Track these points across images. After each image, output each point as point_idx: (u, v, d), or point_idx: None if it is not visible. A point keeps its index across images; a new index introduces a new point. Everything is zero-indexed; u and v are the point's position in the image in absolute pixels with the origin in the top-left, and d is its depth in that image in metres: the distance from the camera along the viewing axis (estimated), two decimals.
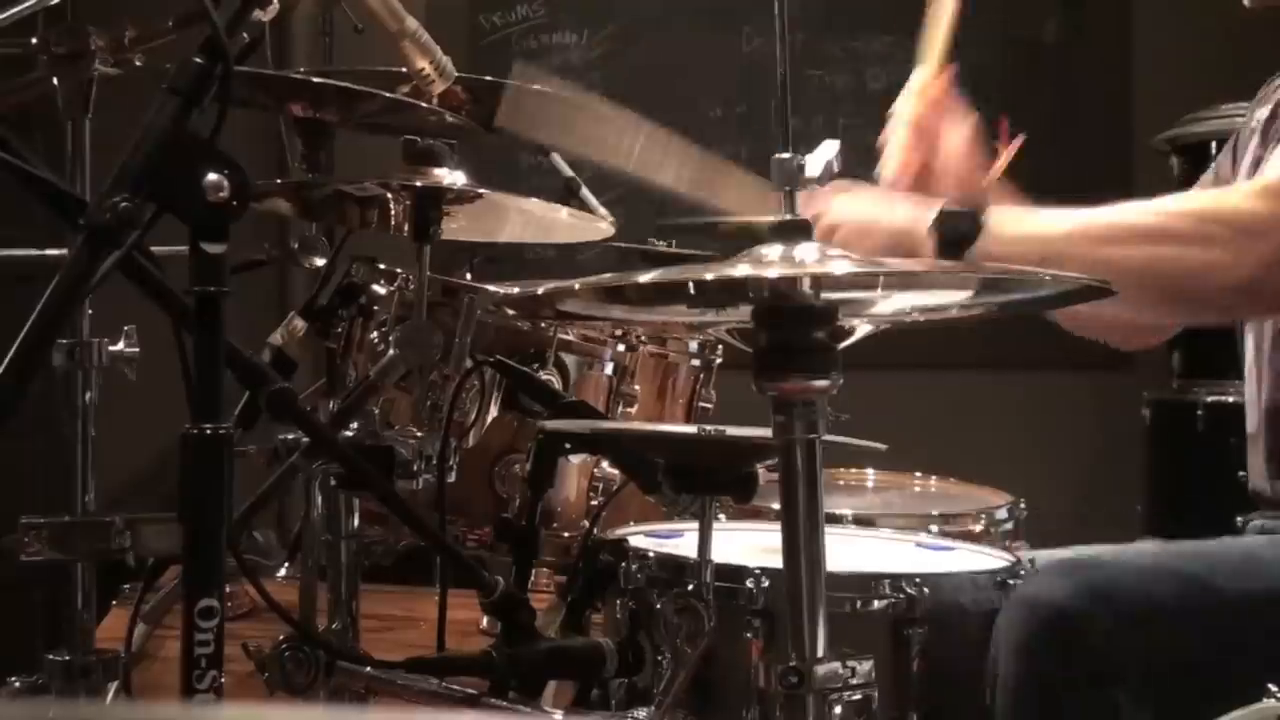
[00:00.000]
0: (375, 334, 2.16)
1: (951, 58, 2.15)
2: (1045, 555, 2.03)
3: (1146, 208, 1.90)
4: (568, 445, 2.10)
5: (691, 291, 1.45)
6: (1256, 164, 2.08)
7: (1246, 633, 1.72)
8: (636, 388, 2.31)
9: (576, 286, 1.44)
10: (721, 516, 1.99)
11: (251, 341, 1.84)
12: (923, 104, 2.12)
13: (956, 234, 1.89)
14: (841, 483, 2.91)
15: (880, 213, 1.98)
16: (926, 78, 2.14)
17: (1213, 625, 1.73)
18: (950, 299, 1.55)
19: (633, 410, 2.30)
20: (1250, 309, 1.97)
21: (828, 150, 1.48)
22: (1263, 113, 2.13)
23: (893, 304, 1.52)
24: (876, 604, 1.75)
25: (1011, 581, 1.82)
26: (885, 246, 1.90)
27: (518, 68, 1.93)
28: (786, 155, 1.46)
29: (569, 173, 2.93)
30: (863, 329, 1.48)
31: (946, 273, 1.58)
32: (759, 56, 4.43)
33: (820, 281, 1.43)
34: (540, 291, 1.49)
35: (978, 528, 2.55)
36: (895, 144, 2.12)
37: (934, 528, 2.46)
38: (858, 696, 1.46)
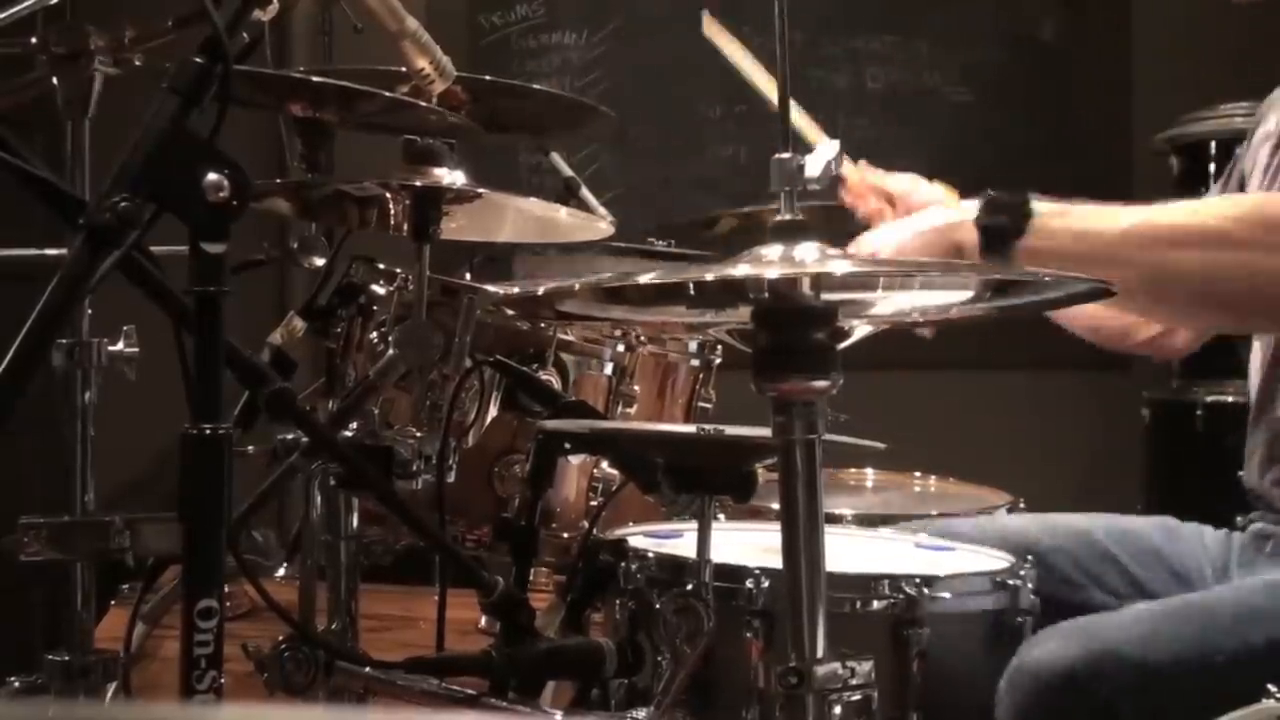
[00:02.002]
0: (375, 334, 2.16)
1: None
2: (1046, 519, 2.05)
3: (1199, 209, 1.86)
4: (567, 445, 2.10)
5: (691, 292, 1.45)
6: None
7: (1247, 686, 1.72)
8: (636, 388, 2.30)
9: (576, 287, 1.44)
10: (721, 516, 1.99)
11: (251, 341, 1.84)
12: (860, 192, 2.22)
13: (1001, 227, 1.85)
14: (841, 483, 2.91)
15: (917, 222, 1.97)
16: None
17: (1211, 685, 1.72)
18: (951, 299, 1.55)
19: (632, 410, 2.30)
20: None
21: (828, 150, 1.48)
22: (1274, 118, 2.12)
23: (893, 305, 1.52)
24: (876, 604, 1.75)
25: (1011, 581, 1.82)
26: (928, 245, 1.88)
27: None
28: (786, 155, 1.46)
29: (568, 172, 2.93)
30: (862, 330, 1.48)
31: (945, 273, 1.58)
32: (759, 56, 4.43)
33: (820, 282, 1.43)
34: (540, 291, 1.49)
35: (981, 519, 2.55)
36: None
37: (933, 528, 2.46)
38: (857, 697, 1.46)
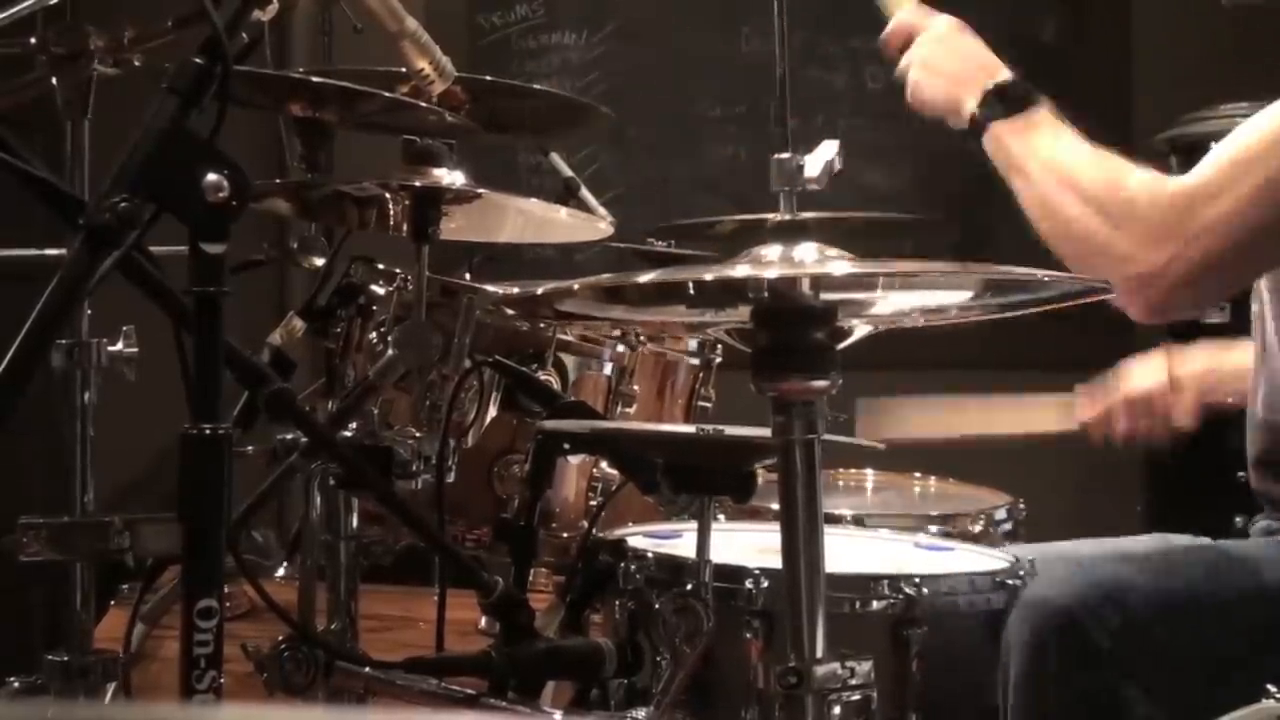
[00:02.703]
0: (374, 334, 2.16)
1: None
2: (1046, 549, 2.03)
3: (1102, 166, 1.94)
4: (566, 445, 2.10)
5: (691, 292, 1.45)
6: None
7: (1256, 626, 1.72)
8: (635, 387, 2.30)
9: (575, 287, 1.44)
10: (720, 517, 1.99)
11: (250, 341, 1.84)
12: None
13: (999, 103, 1.98)
14: (841, 483, 2.91)
15: (953, 65, 2.06)
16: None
17: (1222, 621, 1.73)
18: (950, 300, 1.55)
19: (632, 410, 2.30)
20: (1126, 304, 1.95)
21: (827, 150, 1.48)
22: None
23: (892, 304, 1.52)
24: (875, 604, 1.75)
25: (1010, 581, 1.82)
26: (939, 93, 2.01)
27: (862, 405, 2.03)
28: (786, 155, 1.46)
29: (568, 173, 2.93)
30: (862, 329, 1.48)
31: (945, 274, 1.58)
32: (758, 56, 4.43)
33: (819, 282, 1.43)
34: (540, 292, 1.49)
35: (977, 528, 2.55)
36: None
37: (933, 528, 2.46)
38: (857, 697, 1.46)
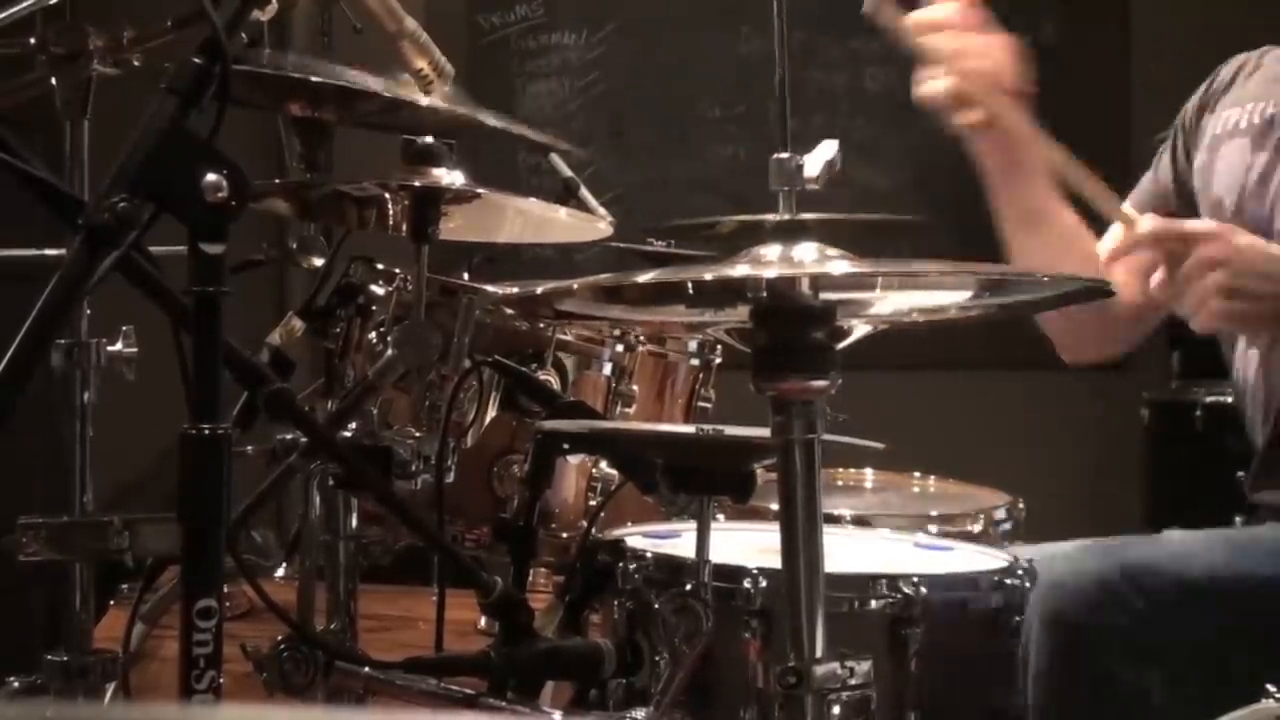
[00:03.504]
0: (373, 334, 2.15)
1: None
2: (1046, 549, 2.03)
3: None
4: (566, 445, 2.10)
5: (690, 292, 1.45)
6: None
7: (1278, 611, 1.72)
8: (635, 388, 2.30)
9: (575, 286, 1.44)
10: (720, 516, 1.99)
11: (250, 342, 1.84)
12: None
13: None
14: (840, 483, 2.91)
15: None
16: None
17: (1245, 605, 1.72)
18: (949, 300, 1.55)
19: (631, 410, 2.30)
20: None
21: (827, 150, 1.48)
22: (1235, 114, 2.10)
23: (891, 304, 1.52)
24: (875, 604, 1.75)
25: (1010, 581, 1.82)
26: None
27: None
28: (785, 155, 1.46)
29: (567, 173, 2.93)
30: (861, 329, 1.48)
31: (944, 274, 1.58)
32: (757, 56, 4.43)
33: (819, 282, 1.43)
34: (539, 291, 1.49)
35: (976, 528, 2.55)
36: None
37: (933, 528, 2.46)
38: (856, 696, 1.46)
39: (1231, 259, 1.76)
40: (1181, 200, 2.14)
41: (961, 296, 1.53)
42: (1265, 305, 1.78)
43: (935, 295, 1.55)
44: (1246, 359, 2.09)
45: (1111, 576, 1.69)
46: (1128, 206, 2.05)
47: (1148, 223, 1.81)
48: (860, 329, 1.48)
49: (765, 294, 1.43)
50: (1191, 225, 1.81)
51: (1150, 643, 1.69)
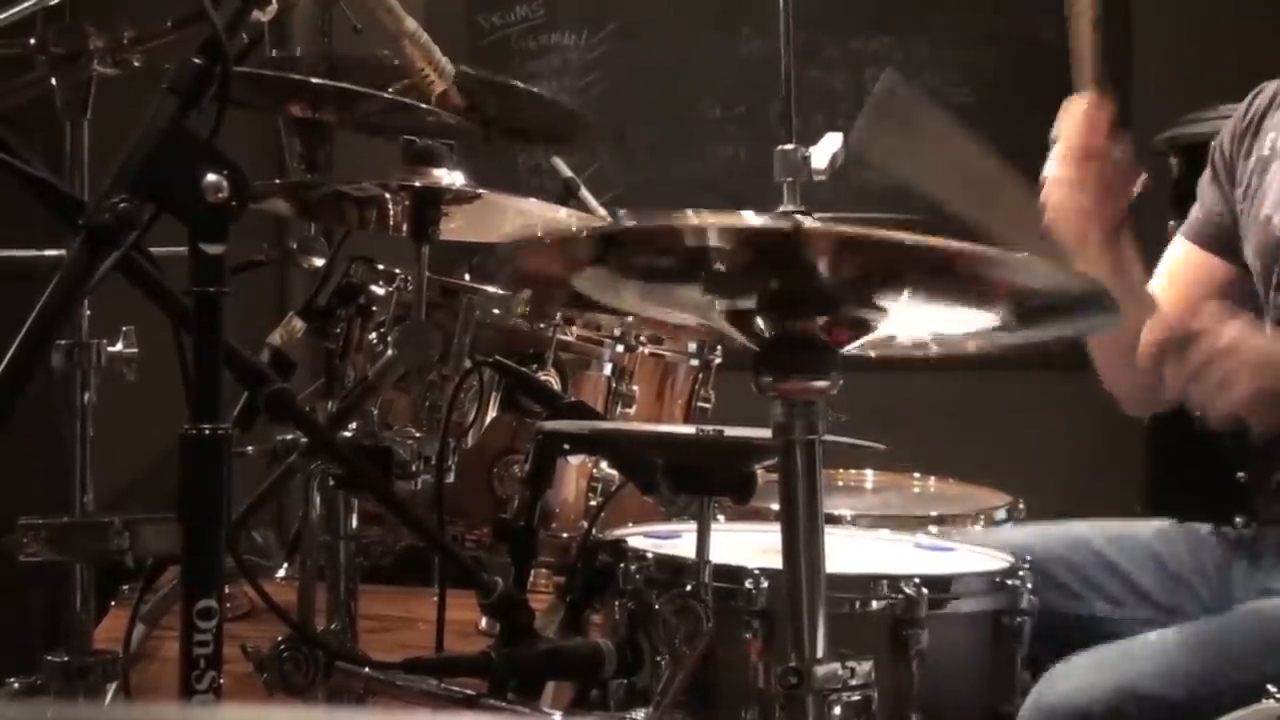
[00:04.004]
0: (374, 334, 2.16)
1: (1103, 85, 2.09)
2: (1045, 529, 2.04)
3: None
4: (566, 446, 2.10)
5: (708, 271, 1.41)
6: None
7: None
8: (635, 388, 2.30)
9: (584, 234, 1.41)
10: (720, 517, 1.99)
11: (250, 342, 1.84)
12: (1086, 132, 2.08)
13: None
14: (841, 483, 2.91)
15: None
16: (1086, 105, 2.09)
17: (1226, 711, 1.73)
18: (970, 326, 1.52)
19: (631, 411, 2.30)
20: None
21: (831, 144, 1.47)
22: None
23: (908, 322, 1.50)
24: (875, 604, 1.75)
25: (1010, 582, 1.82)
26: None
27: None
28: (790, 147, 1.45)
29: (567, 173, 2.93)
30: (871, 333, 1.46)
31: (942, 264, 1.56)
32: (757, 56, 4.43)
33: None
34: (546, 239, 1.46)
35: (976, 528, 2.55)
36: (1059, 178, 2.04)
37: (933, 528, 2.46)
38: (857, 697, 1.46)
39: (1220, 358, 1.81)
40: (1233, 222, 2.16)
41: (984, 323, 1.49)
42: (1262, 396, 1.82)
43: (954, 319, 1.52)
44: None
45: (1096, 707, 1.72)
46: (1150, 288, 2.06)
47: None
48: (871, 330, 1.46)
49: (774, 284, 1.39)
50: (1188, 327, 1.86)
51: None
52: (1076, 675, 1.76)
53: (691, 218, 1.43)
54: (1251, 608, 1.95)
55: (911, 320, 1.50)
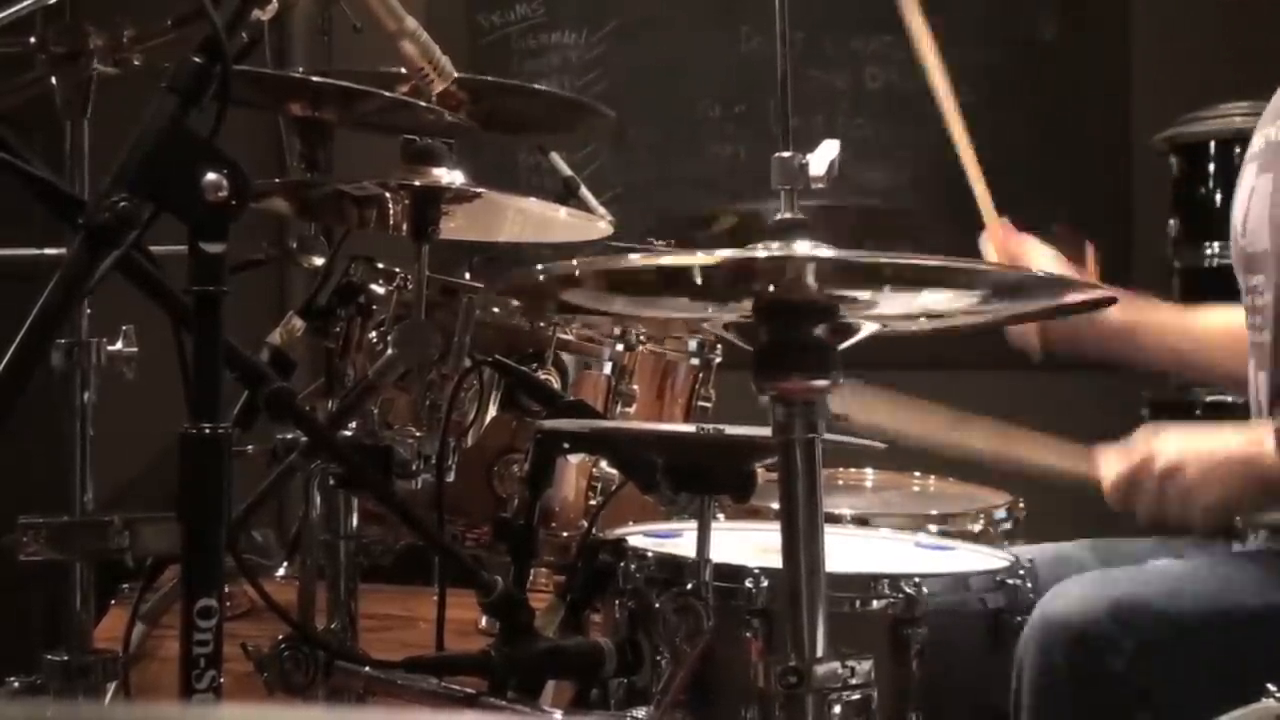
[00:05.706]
0: (374, 333, 2.15)
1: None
2: (1047, 550, 2.03)
3: None
4: (566, 445, 2.09)
5: (697, 281, 1.43)
6: None
7: (1270, 645, 1.72)
8: (635, 387, 2.30)
9: (577, 271, 1.43)
10: (720, 516, 1.99)
11: (250, 341, 1.84)
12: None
13: None
14: (841, 482, 2.90)
15: (1215, 443, 1.88)
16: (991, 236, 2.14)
17: (1237, 640, 1.73)
18: (956, 304, 1.53)
19: (631, 410, 2.30)
20: None
21: (829, 150, 1.47)
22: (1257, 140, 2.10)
23: (899, 306, 1.51)
24: (876, 604, 1.75)
25: (1011, 581, 1.82)
26: (1236, 478, 1.84)
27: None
28: (788, 154, 1.45)
29: (567, 172, 2.93)
30: (866, 329, 1.47)
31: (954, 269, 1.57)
32: (757, 56, 4.43)
33: (822, 278, 1.42)
34: (542, 277, 1.47)
35: (977, 527, 2.55)
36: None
37: (933, 527, 2.46)
38: (857, 696, 1.46)
39: (1166, 480, 1.85)
40: None
41: (968, 300, 1.51)
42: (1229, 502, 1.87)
43: (942, 299, 1.53)
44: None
45: (1104, 616, 1.70)
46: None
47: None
48: (866, 328, 1.47)
49: (770, 288, 1.41)
50: (1123, 462, 1.90)
51: (1140, 682, 1.70)
52: (1083, 588, 1.75)
53: (647, 258, 1.46)
54: (1268, 547, 1.95)
55: (900, 302, 1.51)
